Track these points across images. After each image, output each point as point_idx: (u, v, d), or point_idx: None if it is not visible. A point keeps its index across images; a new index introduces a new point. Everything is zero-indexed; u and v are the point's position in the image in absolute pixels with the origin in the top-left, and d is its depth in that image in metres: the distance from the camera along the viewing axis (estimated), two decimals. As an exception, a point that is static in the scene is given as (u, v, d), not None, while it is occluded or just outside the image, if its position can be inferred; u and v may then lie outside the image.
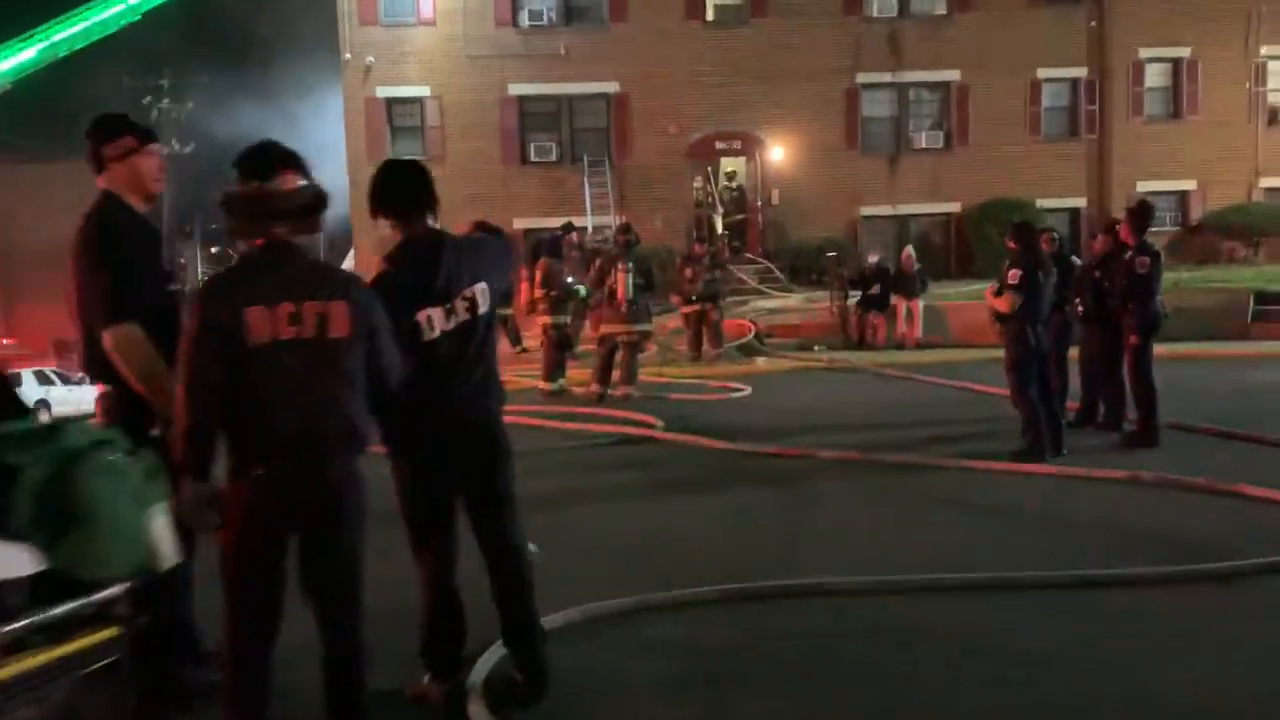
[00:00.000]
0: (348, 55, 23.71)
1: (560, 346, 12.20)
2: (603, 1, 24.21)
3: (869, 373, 13.82)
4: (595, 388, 11.62)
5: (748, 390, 12.14)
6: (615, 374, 11.66)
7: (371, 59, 23.62)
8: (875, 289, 17.12)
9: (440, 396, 3.57)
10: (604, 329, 11.66)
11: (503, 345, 17.48)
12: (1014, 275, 7.76)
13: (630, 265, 11.37)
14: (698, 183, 24.88)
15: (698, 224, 22.92)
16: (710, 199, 24.68)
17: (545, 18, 24.00)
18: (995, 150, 24.82)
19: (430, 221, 3.66)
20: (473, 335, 3.64)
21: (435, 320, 3.55)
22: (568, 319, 12.21)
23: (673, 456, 8.67)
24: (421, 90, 23.89)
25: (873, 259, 18.02)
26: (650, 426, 9.67)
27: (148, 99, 37.25)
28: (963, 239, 24.92)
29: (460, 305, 3.61)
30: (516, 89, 23.95)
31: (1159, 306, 8.19)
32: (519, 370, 13.67)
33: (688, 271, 15.07)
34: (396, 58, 23.77)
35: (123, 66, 33.96)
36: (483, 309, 3.69)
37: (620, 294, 11.31)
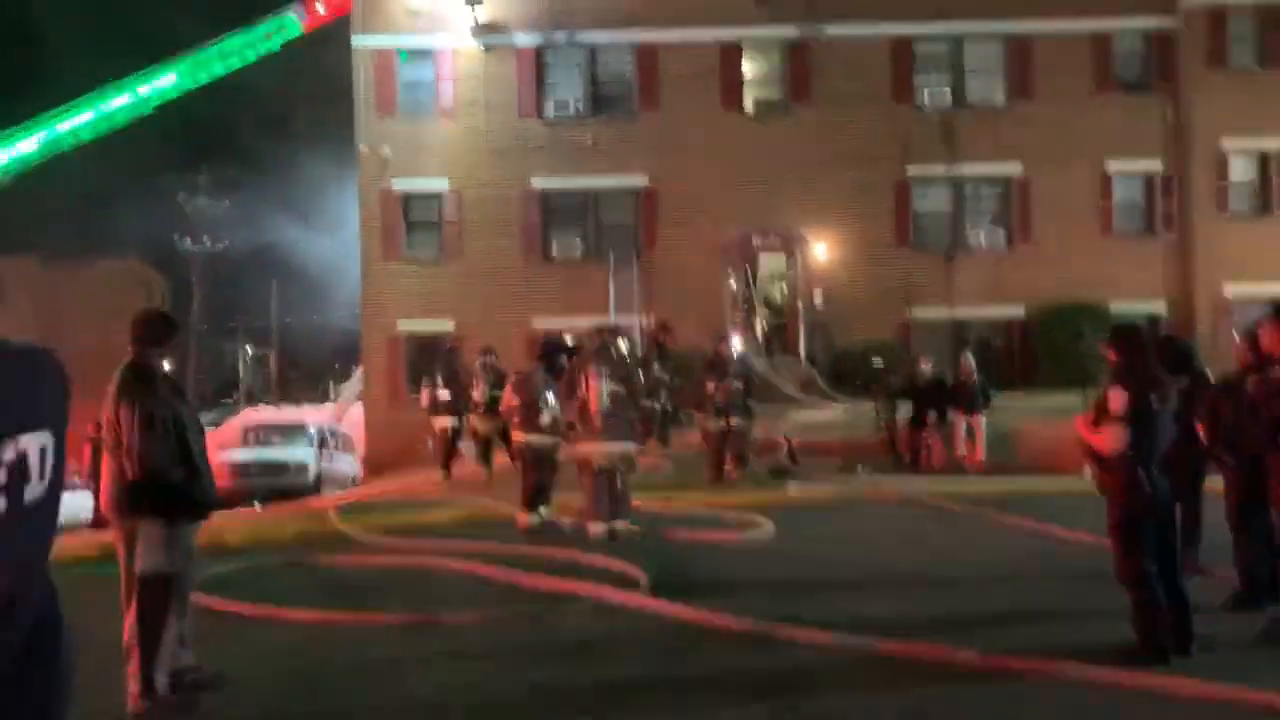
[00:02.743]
0: (363, 147, 22.50)
1: (539, 469, 10.10)
2: (633, 91, 22.84)
3: (924, 506, 11.46)
4: (594, 526, 9.46)
5: (769, 527, 9.87)
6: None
7: (388, 150, 22.37)
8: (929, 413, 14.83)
9: None
10: (580, 449, 9.59)
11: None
12: (1118, 399, 5.50)
13: (604, 370, 9.32)
14: (732, 281, 23.00)
15: (733, 325, 20.92)
16: (747, 299, 22.73)
17: (572, 108, 22.66)
18: (1062, 249, 22.65)
19: None
20: (9, 539, 1.52)
21: None
22: (547, 439, 10.11)
23: (650, 632, 6.47)
24: (440, 183, 22.53)
25: (925, 366, 15.75)
26: (631, 585, 7.47)
27: (181, 196, 36.77)
28: (1027, 345, 22.58)
29: None
30: (539, 182, 22.49)
31: (1322, 444, 5.87)
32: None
33: (710, 383, 12.96)
34: (414, 150, 22.51)
35: (134, 159, 33.55)
36: (36, 489, 1.56)
37: (593, 406, 9.25)
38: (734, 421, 12.89)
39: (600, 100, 22.92)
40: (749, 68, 23.18)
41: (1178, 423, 5.90)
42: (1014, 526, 9.90)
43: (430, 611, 6.95)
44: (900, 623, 6.37)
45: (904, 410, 15.40)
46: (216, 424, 35.87)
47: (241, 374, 57.22)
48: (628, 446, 9.63)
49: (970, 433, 14.64)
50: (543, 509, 10.15)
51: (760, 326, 22.67)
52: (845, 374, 20.93)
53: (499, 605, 7.18)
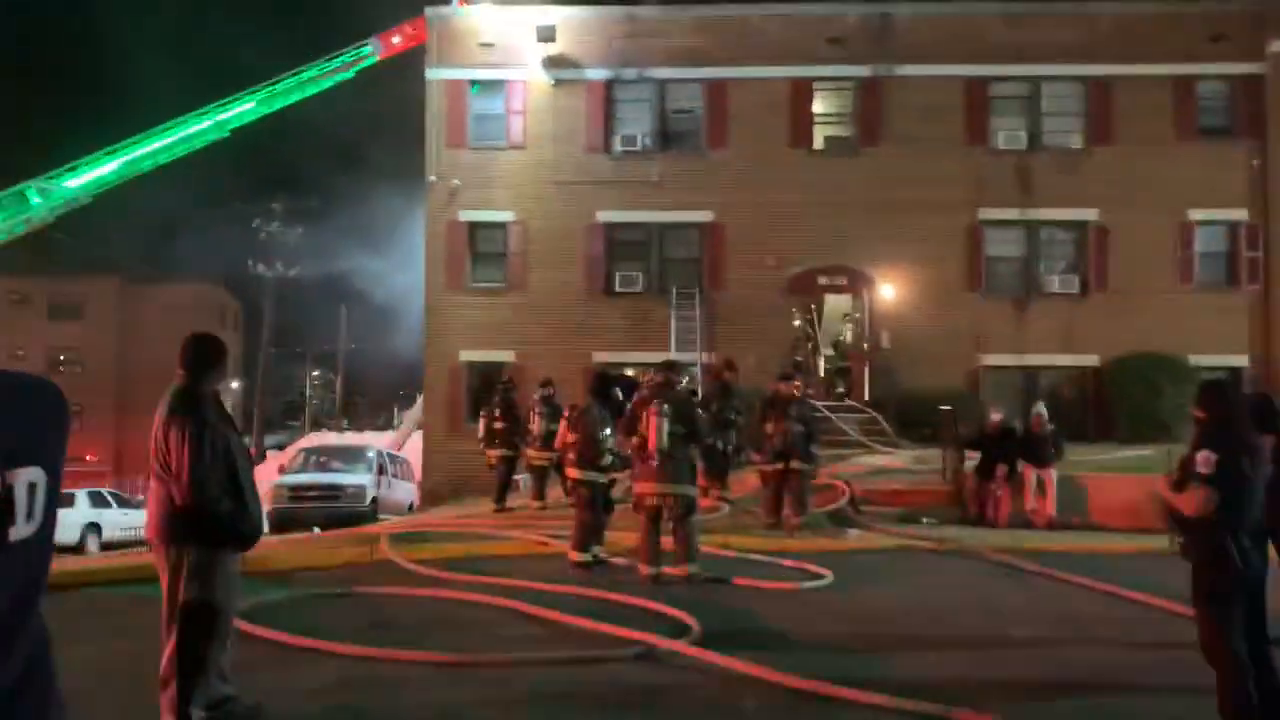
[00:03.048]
0: (433, 177, 22.74)
1: (593, 507, 9.90)
2: (701, 127, 22.77)
3: (990, 562, 11.00)
4: (643, 569, 9.25)
5: (828, 577, 9.53)
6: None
7: (458, 182, 22.58)
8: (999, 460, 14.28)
9: None
10: (636, 488, 9.38)
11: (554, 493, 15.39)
12: (1205, 460, 5.12)
13: (665, 408, 9.11)
14: (796, 320, 22.68)
15: (795, 366, 20.55)
16: (811, 339, 22.37)
17: (639, 143, 22.65)
18: (1140, 298, 21.93)
19: None
20: None
21: None
22: (602, 476, 9.93)
23: (699, 684, 6.21)
24: (505, 215, 22.65)
25: (995, 416, 15.27)
26: (682, 633, 7.20)
27: (256, 222, 37.59)
28: (1102, 396, 21.84)
29: None
30: (604, 215, 22.48)
31: None
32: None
33: (768, 424, 12.64)
34: (482, 181, 22.68)
35: (211, 186, 34.43)
36: (24, 527, 1.42)
37: (651, 443, 9.04)
38: (793, 464, 12.54)
39: (668, 135, 22.88)
40: (819, 106, 22.99)
41: (1270, 487, 5.50)
42: (1086, 587, 9.43)
43: (474, 651, 6.77)
44: (962, 686, 6.03)
45: (972, 460, 14.91)
46: (282, 446, 36.42)
47: (308, 398, 58.20)
48: (688, 489, 9.40)
49: (1041, 486, 14.09)
50: (595, 548, 9.95)
51: (824, 367, 22.29)
52: (910, 420, 20.41)
53: (545, 647, 6.98)
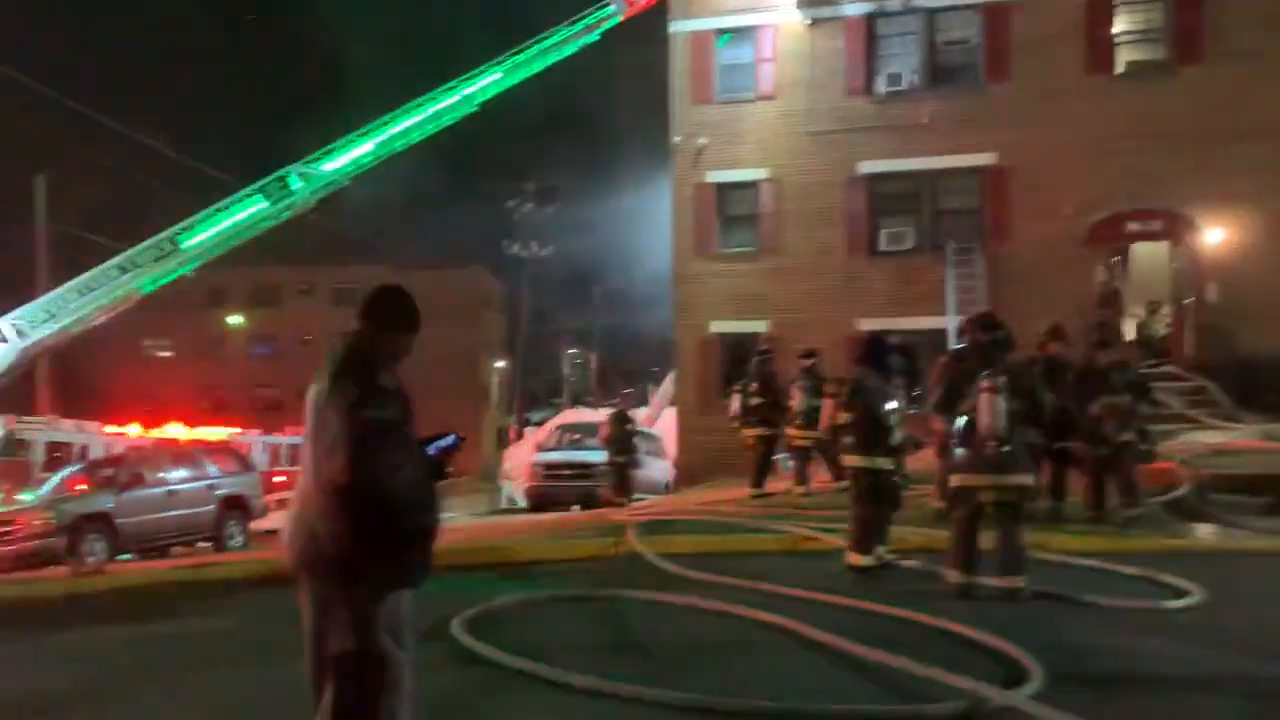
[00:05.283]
0: (678, 138, 21.36)
1: (880, 499, 8.07)
2: (979, 59, 19.97)
3: None
4: (952, 575, 7.36)
5: (1195, 596, 7.21)
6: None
7: (704, 140, 21.08)
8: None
9: None
10: (958, 479, 7.45)
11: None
12: None
13: (1000, 381, 7.10)
14: (1100, 276, 19.53)
15: (1100, 327, 17.54)
16: (1119, 295, 19.21)
17: (906, 81, 20.19)
18: None
19: None
20: None
21: None
22: (890, 462, 8.05)
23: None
24: (756, 173, 20.92)
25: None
26: (1018, 674, 5.28)
27: (511, 203, 37.95)
28: None
29: None
30: (867, 166, 20.22)
31: None
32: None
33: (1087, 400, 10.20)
34: (730, 138, 21.04)
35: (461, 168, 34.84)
36: None
37: (985, 425, 7.07)
38: (1125, 438, 10.06)
39: (939, 71, 20.22)
40: (1122, 23, 19.55)
41: None
42: None
43: (736, 690, 5.18)
44: None
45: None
46: (540, 423, 36.73)
47: (566, 375, 59.29)
48: (1027, 478, 7.37)
49: None
50: (880, 548, 8.13)
51: (1137, 329, 19.12)
52: (1250, 388, 16.93)
53: (826, 690, 5.29)
